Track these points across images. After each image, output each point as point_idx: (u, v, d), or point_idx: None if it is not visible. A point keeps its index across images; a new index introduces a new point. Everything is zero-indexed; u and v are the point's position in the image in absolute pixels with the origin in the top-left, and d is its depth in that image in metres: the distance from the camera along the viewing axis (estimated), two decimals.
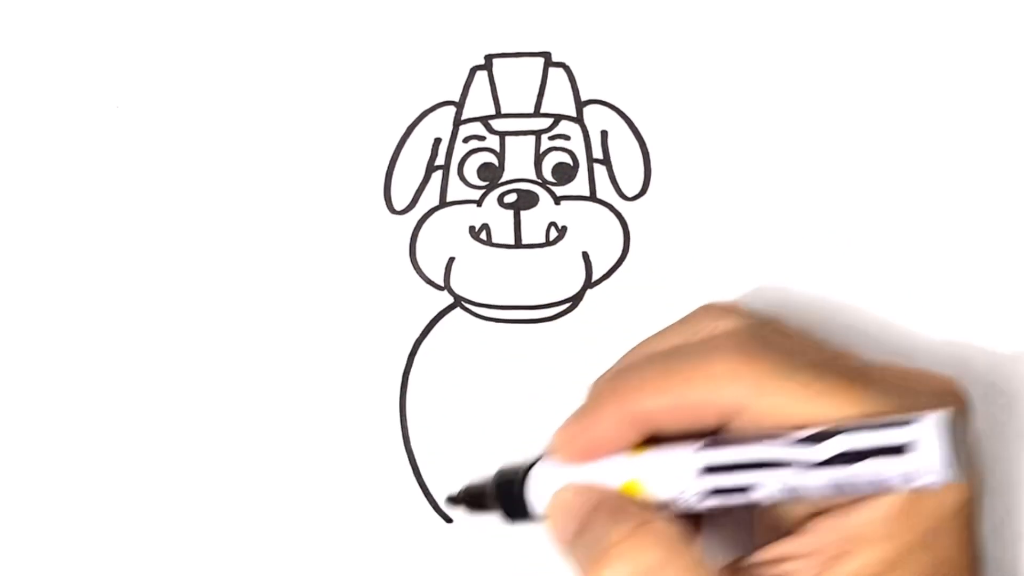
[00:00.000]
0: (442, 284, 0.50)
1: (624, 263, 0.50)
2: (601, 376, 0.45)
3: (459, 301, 0.50)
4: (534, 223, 0.50)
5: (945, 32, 0.50)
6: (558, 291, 0.50)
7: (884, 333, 0.50)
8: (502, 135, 0.51)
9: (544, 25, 0.51)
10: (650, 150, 0.51)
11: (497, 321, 0.50)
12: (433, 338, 0.50)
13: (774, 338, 0.42)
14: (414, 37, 0.51)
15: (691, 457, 0.41)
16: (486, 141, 0.51)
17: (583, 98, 0.51)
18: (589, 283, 0.50)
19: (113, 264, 0.51)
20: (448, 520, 0.50)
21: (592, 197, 0.50)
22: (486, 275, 0.50)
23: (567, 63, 0.51)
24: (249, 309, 0.50)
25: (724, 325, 0.43)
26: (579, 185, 0.51)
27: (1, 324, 0.51)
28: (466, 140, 0.51)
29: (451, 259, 0.50)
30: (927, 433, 0.37)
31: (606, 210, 0.50)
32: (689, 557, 0.40)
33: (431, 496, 0.50)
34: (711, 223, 0.50)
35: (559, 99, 0.51)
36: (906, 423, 0.38)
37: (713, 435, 0.41)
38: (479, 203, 0.50)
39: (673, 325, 0.45)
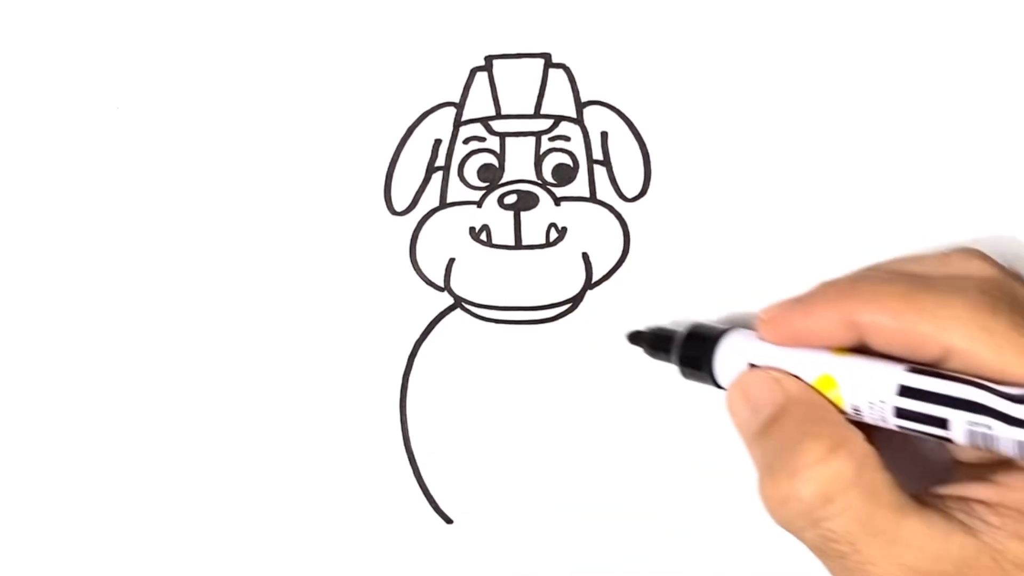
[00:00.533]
0: (442, 285, 0.50)
1: (624, 263, 0.50)
2: (843, 275, 0.45)
3: (459, 302, 0.50)
4: (534, 224, 0.50)
5: (945, 32, 0.50)
6: (558, 292, 0.50)
7: None
8: (502, 136, 0.51)
9: (544, 26, 0.51)
10: (650, 151, 0.51)
11: (497, 322, 0.50)
12: (433, 339, 0.50)
13: (1017, 294, 0.42)
14: (414, 38, 0.51)
15: (895, 373, 0.41)
16: (486, 142, 0.51)
17: (583, 99, 0.51)
18: (589, 284, 0.50)
19: (114, 264, 0.51)
20: (448, 520, 0.50)
21: (592, 198, 0.50)
22: (486, 276, 0.50)
23: (567, 64, 0.51)
24: (250, 310, 0.50)
25: (974, 268, 0.43)
26: (579, 186, 0.51)
27: (1, 324, 0.51)
28: (466, 141, 0.51)
29: (451, 260, 0.50)
30: None
31: (606, 211, 0.50)
32: (878, 480, 0.41)
33: (431, 496, 0.50)
34: (711, 223, 0.50)
35: (559, 100, 0.51)
36: None
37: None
38: (479, 204, 0.50)
39: (919, 256, 0.45)
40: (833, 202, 0.50)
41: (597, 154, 0.51)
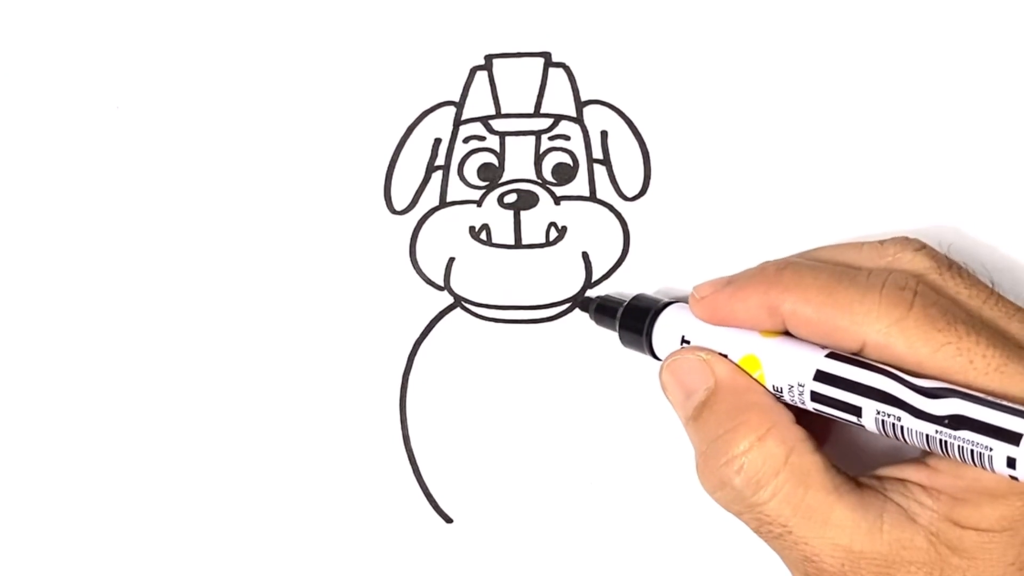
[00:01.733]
0: (442, 284, 0.50)
1: (624, 263, 0.50)
2: (775, 260, 0.46)
3: (459, 301, 0.50)
4: (534, 223, 0.50)
5: (945, 32, 0.50)
6: (558, 291, 0.50)
7: None
8: (502, 135, 0.51)
9: (544, 25, 0.51)
10: (650, 150, 0.51)
11: (497, 321, 0.50)
12: (433, 338, 0.50)
13: (946, 286, 0.43)
14: (414, 37, 0.51)
15: (813, 358, 0.42)
16: (486, 141, 0.51)
17: (583, 98, 0.51)
18: (589, 283, 0.50)
19: (114, 264, 0.51)
20: (448, 520, 0.50)
21: (592, 197, 0.50)
22: (486, 275, 0.50)
23: (567, 63, 0.51)
24: (250, 309, 0.50)
25: (905, 260, 0.43)
26: (579, 185, 0.51)
27: (1, 324, 0.51)
28: (466, 140, 0.51)
29: (451, 259, 0.50)
30: None
31: (606, 210, 0.50)
32: (808, 463, 0.42)
33: (431, 496, 0.50)
34: (711, 223, 0.50)
35: (559, 99, 0.51)
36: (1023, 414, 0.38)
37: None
38: (479, 203, 0.50)
39: (865, 242, 0.45)
40: (833, 202, 0.50)
41: (597, 153, 0.51)
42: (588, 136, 0.51)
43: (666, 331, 0.47)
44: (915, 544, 0.41)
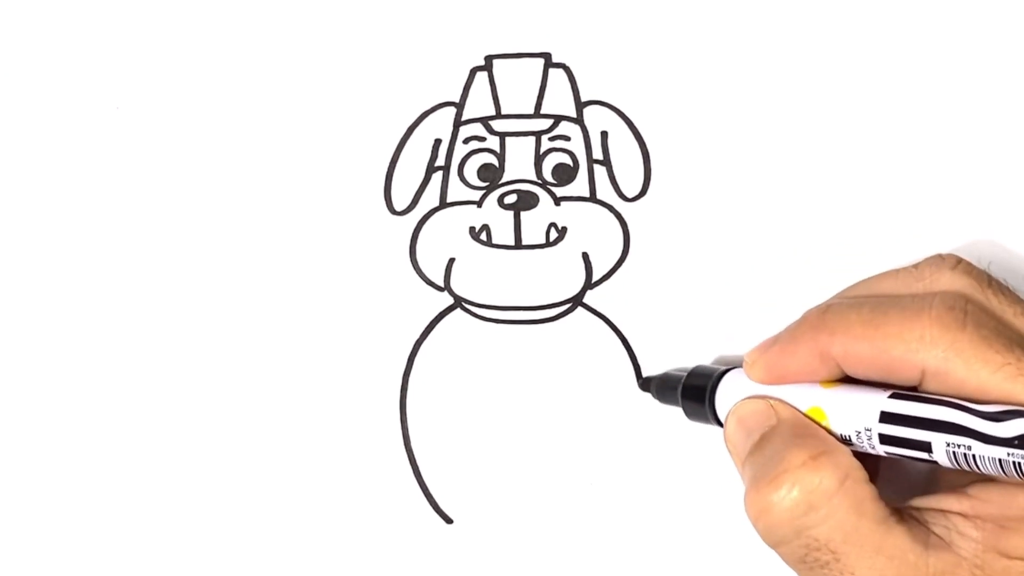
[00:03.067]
0: (442, 285, 0.50)
1: (624, 263, 0.50)
2: (816, 307, 0.45)
3: (459, 302, 0.50)
4: (534, 224, 0.50)
5: (945, 32, 0.50)
6: (558, 291, 0.50)
7: None
8: (502, 136, 0.51)
9: (544, 26, 0.51)
10: (650, 150, 0.51)
11: (497, 322, 0.50)
12: (433, 339, 0.50)
13: (990, 305, 0.42)
14: (414, 38, 0.51)
15: (877, 400, 0.41)
16: (486, 142, 0.51)
17: (583, 99, 0.51)
18: (589, 283, 0.50)
19: (114, 265, 0.51)
20: (448, 520, 0.50)
21: (592, 198, 0.50)
22: (486, 276, 0.50)
23: (567, 64, 0.51)
24: (250, 310, 0.50)
25: (944, 281, 0.42)
26: (579, 186, 0.51)
27: (1, 324, 0.51)
28: (466, 141, 0.51)
29: (451, 260, 0.50)
30: None
31: (606, 211, 0.50)
32: (862, 492, 0.41)
33: (431, 496, 0.50)
34: (711, 223, 0.50)
35: (559, 100, 0.51)
36: None
37: (905, 389, 0.41)
38: (479, 204, 0.50)
39: (899, 268, 0.44)
40: (833, 202, 0.50)
41: (597, 154, 0.51)
42: (588, 137, 0.51)
43: (728, 399, 0.45)
44: None
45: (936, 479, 0.45)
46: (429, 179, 0.51)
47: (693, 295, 0.50)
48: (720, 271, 0.50)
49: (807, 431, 0.42)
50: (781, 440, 0.42)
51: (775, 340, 0.44)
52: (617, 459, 0.50)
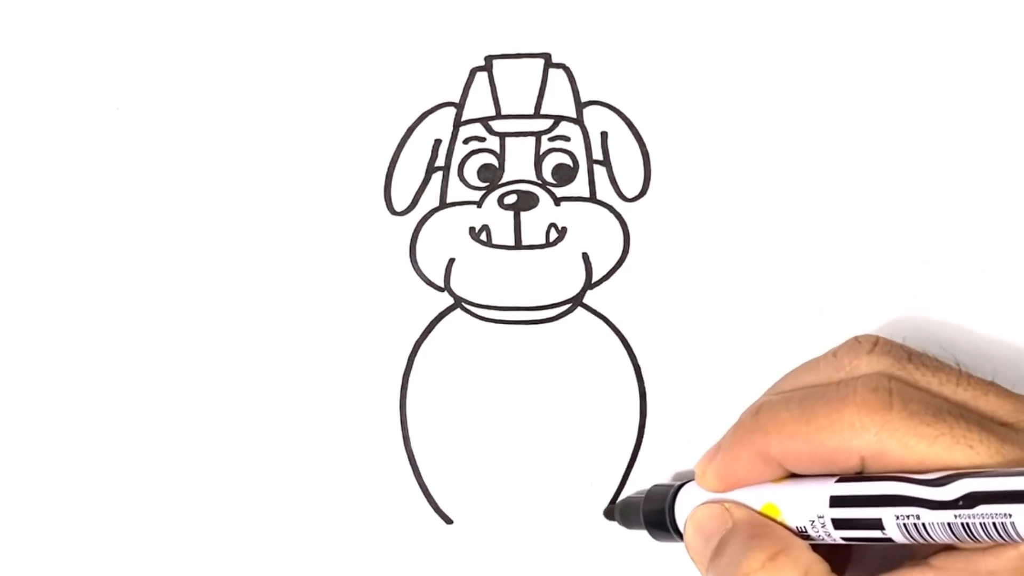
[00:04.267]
0: (442, 285, 0.50)
1: (624, 263, 0.50)
2: (749, 408, 0.45)
3: (459, 302, 0.50)
4: (534, 224, 0.50)
5: (945, 32, 0.50)
6: (558, 292, 0.50)
7: None
8: (502, 136, 0.51)
9: (544, 26, 0.51)
10: (650, 151, 0.51)
11: (497, 322, 0.50)
12: (433, 339, 0.50)
13: (914, 378, 0.42)
14: (414, 38, 0.51)
15: (825, 487, 0.41)
16: (486, 142, 0.51)
17: (583, 99, 0.51)
18: (589, 284, 0.50)
19: (113, 265, 0.51)
20: (448, 520, 0.50)
21: (592, 198, 0.50)
22: (486, 276, 0.50)
23: (567, 64, 0.51)
24: (250, 310, 0.50)
25: (863, 364, 0.43)
26: (579, 186, 0.51)
27: (1, 324, 0.51)
28: (466, 141, 0.51)
29: (451, 260, 0.50)
30: None
31: (606, 211, 0.50)
32: None
33: (431, 496, 0.50)
34: (711, 223, 0.50)
35: (559, 100, 0.51)
36: None
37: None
38: (479, 204, 0.50)
39: (819, 358, 0.45)
40: (833, 202, 0.50)
41: (597, 154, 0.51)
42: (588, 137, 0.51)
43: (686, 511, 0.45)
44: None
45: (901, 558, 0.44)
46: (429, 179, 0.51)
47: (693, 295, 0.50)
48: (720, 271, 0.50)
49: (763, 530, 0.42)
50: (738, 543, 0.42)
51: (718, 448, 0.44)
52: (617, 459, 0.50)
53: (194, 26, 0.51)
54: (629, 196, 0.50)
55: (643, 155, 0.51)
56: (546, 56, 0.51)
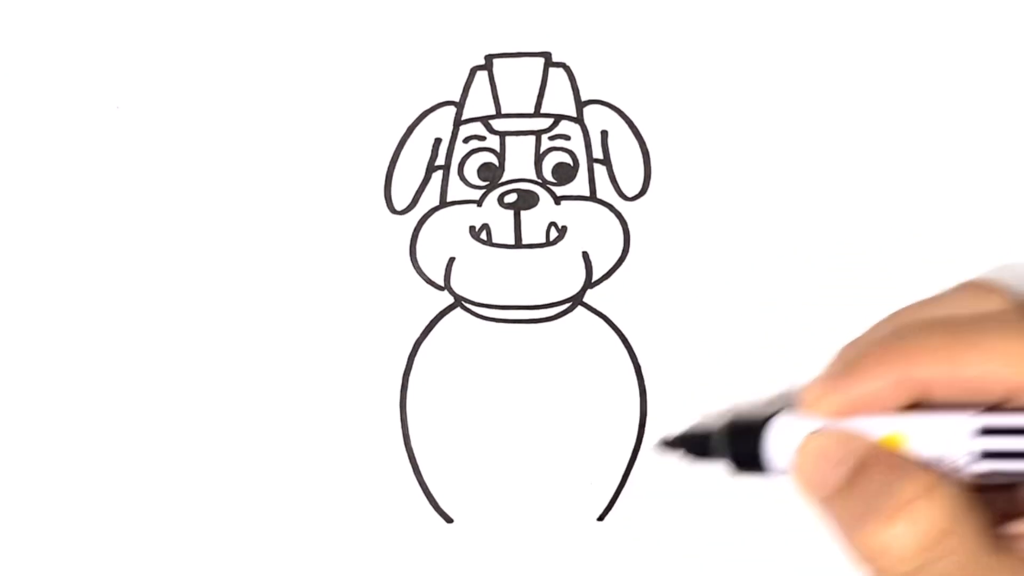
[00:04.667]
0: (442, 284, 0.50)
1: (624, 263, 0.50)
2: (862, 338, 0.43)
3: (459, 301, 0.50)
4: (534, 223, 0.50)
5: (945, 32, 0.50)
6: (558, 291, 0.50)
7: None
8: (502, 135, 0.51)
9: (544, 25, 0.51)
10: (650, 150, 0.51)
11: (497, 321, 0.50)
12: (433, 338, 0.50)
13: None
14: (414, 37, 0.51)
15: (969, 419, 0.40)
16: (486, 141, 0.51)
17: (583, 98, 0.51)
18: (589, 283, 0.50)
19: (113, 264, 0.51)
20: (448, 520, 0.50)
21: (592, 197, 0.50)
22: (486, 275, 0.50)
23: (567, 63, 0.51)
24: (249, 309, 0.50)
25: (992, 304, 0.42)
26: (579, 185, 0.51)
27: (1, 324, 0.51)
28: (466, 140, 0.51)
29: (451, 259, 0.50)
30: None
31: (606, 210, 0.50)
32: (978, 524, 0.39)
33: (431, 496, 0.50)
34: (711, 223, 0.50)
35: (559, 99, 0.51)
36: None
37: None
38: (479, 203, 0.50)
39: (934, 298, 0.43)
40: (833, 202, 0.50)
41: (597, 153, 0.51)
42: (588, 136, 0.51)
43: (781, 444, 0.42)
44: None
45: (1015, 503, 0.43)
46: (429, 178, 0.51)
47: (693, 294, 0.50)
48: (720, 270, 0.50)
49: (906, 461, 0.40)
50: (883, 472, 0.40)
51: (838, 371, 0.42)
52: (616, 459, 0.50)
53: (194, 26, 0.51)
54: (629, 195, 0.50)
55: (643, 154, 0.50)
56: (546, 55, 0.51)
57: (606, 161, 0.51)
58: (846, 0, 0.50)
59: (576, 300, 0.50)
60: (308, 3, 0.51)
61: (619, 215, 0.50)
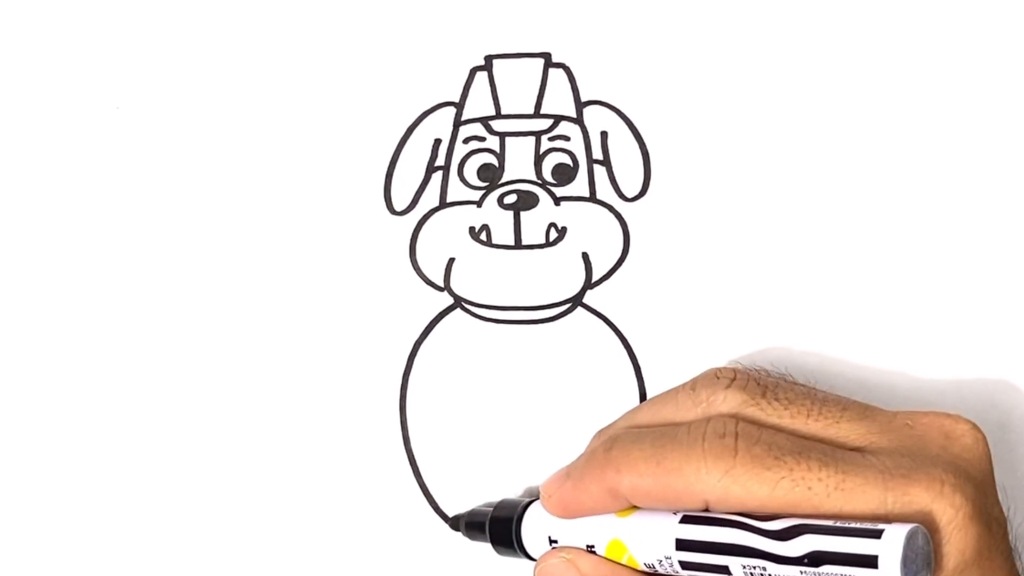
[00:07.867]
0: (442, 285, 0.50)
1: (624, 263, 0.50)
2: (602, 432, 0.46)
3: (459, 302, 0.50)
4: (534, 224, 0.50)
5: (945, 32, 0.50)
6: (558, 291, 0.50)
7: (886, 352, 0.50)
8: (502, 136, 0.51)
9: (544, 26, 0.51)
10: (650, 150, 0.51)
11: (497, 322, 0.50)
12: (433, 339, 0.50)
13: (765, 415, 0.43)
14: (414, 38, 0.51)
15: (670, 527, 0.42)
16: (486, 142, 0.51)
17: (583, 99, 0.51)
18: (589, 283, 0.50)
19: (113, 264, 0.51)
20: (448, 520, 0.50)
21: (592, 198, 0.50)
22: (486, 276, 0.50)
23: (567, 64, 0.51)
24: (249, 310, 0.50)
25: (717, 403, 0.43)
26: (579, 186, 0.51)
27: (1, 324, 0.51)
28: (466, 141, 0.51)
29: (451, 260, 0.50)
30: (890, 551, 0.37)
31: (606, 211, 0.50)
32: None
33: (431, 496, 0.50)
34: (711, 223, 0.50)
35: (559, 100, 0.51)
36: (875, 535, 0.38)
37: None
38: (479, 204, 0.50)
39: (678, 388, 0.45)
40: (833, 202, 0.50)
41: (597, 154, 0.51)
42: (588, 137, 0.51)
43: (533, 533, 0.46)
44: None
45: None
46: (429, 179, 0.51)
47: (693, 295, 0.50)
48: (720, 271, 0.50)
49: None
50: None
51: (567, 475, 0.45)
52: None
53: (194, 26, 0.51)
54: (629, 196, 0.50)
55: (643, 155, 0.50)
56: (546, 56, 0.51)
57: (606, 162, 0.51)
58: (846, 1, 0.50)
59: (576, 301, 0.50)
60: (308, 3, 0.51)
61: (619, 216, 0.50)
